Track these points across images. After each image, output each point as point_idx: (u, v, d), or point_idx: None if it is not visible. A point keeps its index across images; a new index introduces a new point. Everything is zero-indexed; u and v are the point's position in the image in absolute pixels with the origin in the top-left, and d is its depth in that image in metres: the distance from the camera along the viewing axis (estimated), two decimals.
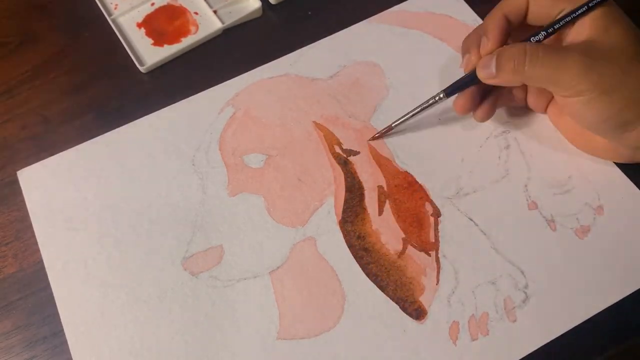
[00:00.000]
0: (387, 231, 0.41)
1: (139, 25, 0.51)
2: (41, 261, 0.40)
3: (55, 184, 0.43)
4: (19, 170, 0.44)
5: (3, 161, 0.45)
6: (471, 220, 0.41)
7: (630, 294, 0.38)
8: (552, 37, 0.38)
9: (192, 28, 0.51)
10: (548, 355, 0.37)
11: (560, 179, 0.42)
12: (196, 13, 0.52)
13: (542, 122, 0.45)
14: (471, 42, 0.40)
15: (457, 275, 0.39)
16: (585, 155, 0.43)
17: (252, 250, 0.40)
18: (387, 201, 0.42)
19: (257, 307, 0.38)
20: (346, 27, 0.50)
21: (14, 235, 0.42)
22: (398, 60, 0.48)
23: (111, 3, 0.52)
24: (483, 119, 0.42)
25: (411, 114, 0.43)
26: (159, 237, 0.41)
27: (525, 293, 0.38)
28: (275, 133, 0.45)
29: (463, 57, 0.41)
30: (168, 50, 0.49)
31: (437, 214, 0.41)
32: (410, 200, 0.42)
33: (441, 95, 0.41)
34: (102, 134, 0.45)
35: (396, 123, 0.43)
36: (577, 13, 0.37)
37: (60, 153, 0.44)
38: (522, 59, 0.36)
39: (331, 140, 0.44)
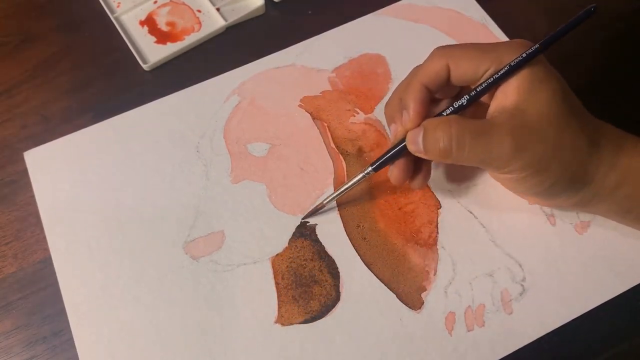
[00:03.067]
0: (386, 221, 0.41)
1: (142, 23, 0.51)
2: (41, 261, 0.41)
3: (61, 165, 0.44)
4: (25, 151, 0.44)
5: (3, 161, 0.45)
6: (471, 212, 0.41)
7: (630, 294, 0.38)
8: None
9: (195, 26, 0.51)
10: (547, 353, 0.37)
11: None
12: (199, 11, 0.52)
13: None
14: (394, 111, 0.38)
15: (455, 266, 0.39)
16: None
17: (252, 236, 0.41)
18: (387, 191, 0.42)
19: (256, 292, 0.39)
20: None
21: (14, 235, 0.42)
22: (404, 53, 0.48)
23: (114, 1, 0.53)
24: (422, 186, 0.40)
25: (342, 189, 0.40)
26: (162, 221, 0.41)
27: (523, 286, 0.39)
28: (280, 123, 0.45)
29: (389, 125, 0.39)
30: (171, 48, 0.50)
31: (437, 205, 0.42)
32: (410, 191, 0.42)
33: (369, 170, 0.38)
34: None
35: (327, 200, 0.40)
36: (499, 75, 0.34)
37: (67, 136, 0.45)
38: (449, 143, 0.34)
39: (333, 131, 0.45)
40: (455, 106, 0.36)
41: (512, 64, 0.34)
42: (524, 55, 0.34)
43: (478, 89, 0.36)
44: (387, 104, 0.40)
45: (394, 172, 0.38)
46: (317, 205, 0.41)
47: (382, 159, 0.38)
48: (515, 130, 0.33)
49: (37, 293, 0.40)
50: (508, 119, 0.34)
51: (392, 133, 0.39)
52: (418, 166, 0.39)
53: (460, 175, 0.43)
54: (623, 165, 0.35)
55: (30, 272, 0.41)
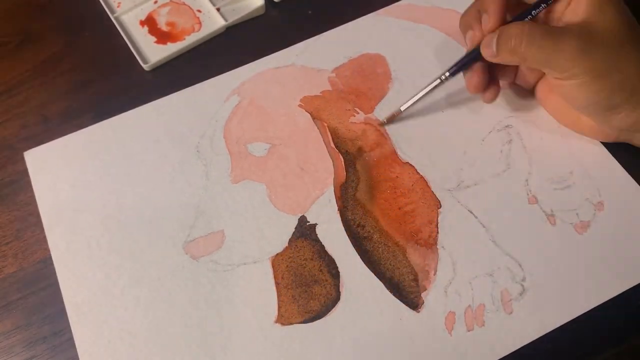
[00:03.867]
0: (387, 220, 0.41)
1: (142, 23, 0.52)
2: (41, 261, 0.41)
3: (62, 165, 0.44)
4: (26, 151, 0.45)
5: (3, 160, 0.45)
6: (471, 212, 0.41)
7: (630, 294, 0.38)
8: (552, 14, 0.39)
9: (195, 26, 0.51)
10: (547, 353, 0.37)
11: (562, 174, 0.42)
12: (199, 11, 0.52)
13: (545, 118, 0.45)
14: (471, 19, 0.41)
15: (455, 266, 0.39)
16: (587, 152, 0.43)
17: (252, 236, 0.41)
18: (387, 191, 0.42)
19: (256, 292, 0.39)
20: None
21: (14, 234, 0.42)
22: (404, 53, 0.49)
23: (114, 1, 0.53)
24: (491, 99, 0.43)
25: (418, 96, 0.43)
26: (162, 220, 0.41)
27: (523, 286, 0.39)
28: (280, 123, 0.45)
29: (464, 34, 0.42)
30: (171, 48, 0.50)
31: (437, 205, 0.42)
32: (411, 191, 0.42)
33: (447, 75, 0.42)
34: None
35: (405, 106, 0.44)
36: None
37: (67, 136, 0.45)
38: (520, 39, 0.37)
39: (333, 131, 0.45)
40: (532, 13, 0.39)
41: None
42: None
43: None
44: (464, 13, 0.42)
45: (473, 77, 0.41)
46: (396, 111, 0.44)
47: (458, 64, 0.41)
48: (582, 35, 0.36)
49: (37, 293, 0.40)
50: (576, 27, 0.37)
51: (469, 40, 0.41)
52: (491, 81, 0.42)
53: (462, 175, 0.43)
54: None
55: (30, 272, 0.41)
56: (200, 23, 0.52)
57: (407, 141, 0.44)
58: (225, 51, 0.50)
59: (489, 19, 0.39)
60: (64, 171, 0.44)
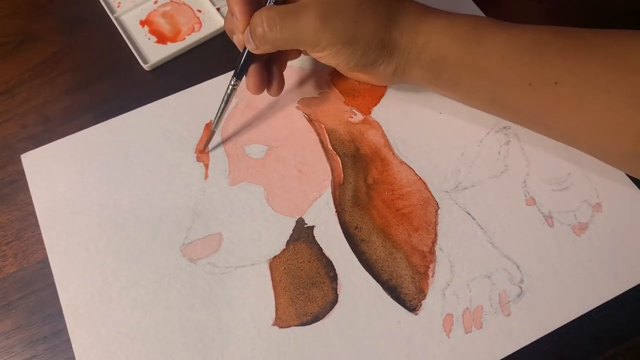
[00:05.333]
0: (384, 222, 0.41)
1: (142, 23, 0.52)
2: (41, 261, 0.41)
3: (59, 168, 0.44)
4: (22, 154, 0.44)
5: (3, 160, 0.45)
6: (469, 214, 0.41)
7: (629, 294, 0.38)
8: None
9: (195, 26, 0.51)
10: (547, 353, 0.37)
11: (560, 176, 0.42)
12: (199, 11, 0.52)
13: None
14: (230, 25, 0.41)
15: (453, 268, 0.39)
16: (586, 154, 0.43)
17: (250, 238, 0.41)
18: (385, 193, 0.42)
19: (254, 295, 0.39)
20: None
21: (15, 234, 0.42)
22: None
23: (114, 1, 0.53)
24: (278, 92, 0.43)
25: (221, 110, 0.42)
26: (159, 223, 0.41)
27: (521, 288, 0.39)
28: (277, 125, 0.45)
29: (232, 39, 0.42)
30: (171, 48, 0.50)
31: (435, 207, 0.42)
32: (409, 193, 0.42)
33: (234, 81, 0.41)
34: None
35: (214, 125, 0.43)
36: None
37: (64, 138, 0.45)
38: (262, 26, 0.37)
39: (331, 133, 0.45)
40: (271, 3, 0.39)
41: None
42: None
43: None
44: (226, 20, 0.42)
45: (249, 80, 0.41)
46: (209, 135, 0.44)
47: (238, 67, 0.41)
48: (319, 7, 0.37)
49: (38, 293, 0.40)
50: (314, 0, 0.38)
51: (237, 43, 0.41)
52: (271, 76, 0.42)
53: (459, 177, 0.43)
54: (424, 31, 0.39)
55: (30, 271, 0.41)
56: (200, 23, 0.51)
57: (404, 143, 0.44)
58: (225, 51, 0.50)
59: (238, 21, 0.39)
60: (61, 173, 0.43)
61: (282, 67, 0.44)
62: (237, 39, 0.41)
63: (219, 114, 0.42)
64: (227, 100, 0.42)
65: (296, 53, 0.44)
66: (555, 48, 0.37)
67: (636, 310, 0.38)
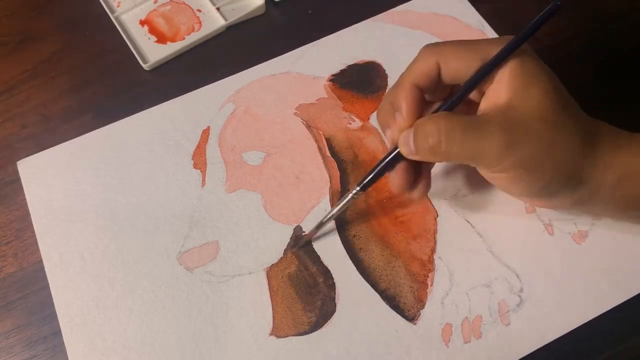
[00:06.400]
0: (383, 230, 0.41)
1: (142, 23, 0.51)
2: (41, 261, 0.40)
3: (55, 175, 0.43)
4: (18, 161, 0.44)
5: (3, 160, 0.45)
6: (468, 222, 0.41)
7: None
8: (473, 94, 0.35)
9: (195, 25, 0.51)
10: (547, 353, 0.37)
11: None
12: (199, 10, 0.52)
13: None
14: (387, 116, 0.37)
15: (452, 277, 0.39)
16: None
17: (247, 246, 0.40)
18: (383, 201, 0.42)
19: (251, 304, 0.38)
20: (349, 25, 0.50)
21: (14, 234, 0.42)
22: (400, 60, 0.48)
23: (114, 1, 0.53)
24: (422, 197, 0.39)
25: (334, 213, 0.38)
26: (156, 231, 0.41)
27: (520, 297, 0.38)
28: (275, 131, 0.45)
29: (384, 132, 0.38)
30: (171, 48, 0.50)
31: (434, 215, 0.41)
32: (407, 200, 0.42)
33: (357, 189, 0.37)
34: None
35: (322, 224, 0.39)
36: (485, 66, 0.33)
37: (60, 144, 0.45)
38: (438, 137, 0.33)
39: (329, 139, 0.44)
40: (447, 103, 0.35)
41: (496, 55, 0.33)
42: (507, 45, 0.33)
43: (466, 84, 0.34)
44: (378, 110, 0.38)
45: (395, 179, 0.37)
46: (313, 230, 0.40)
47: (379, 166, 0.36)
48: (506, 125, 0.32)
49: (37, 293, 0.40)
50: (499, 115, 0.33)
51: (389, 139, 0.37)
52: (418, 175, 0.37)
53: (459, 184, 0.42)
54: (620, 163, 0.33)
55: (30, 271, 0.41)
56: (200, 23, 0.51)
57: None
58: (225, 51, 0.50)
59: (403, 120, 0.35)
60: (57, 180, 0.43)
61: (430, 167, 0.39)
62: (391, 135, 0.36)
63: (328, 218, 0.39)
64: (343, 205, 0.38)
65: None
66: None
67: (636, 310, 0.38)
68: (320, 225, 0.39)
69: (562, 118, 0.33)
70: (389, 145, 0.38)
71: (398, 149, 0.35)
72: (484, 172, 0.35)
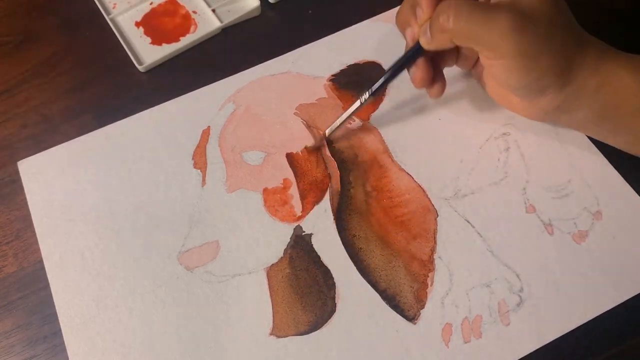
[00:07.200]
0: (383, 230, 0.41)
1: (137, 24, 0.51)
2: (41, 260, 0.40)
3: (55, 175, 0.43)
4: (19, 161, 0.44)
5: (3, 160, 0.45)
6: (468, 222, 0.41)
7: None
8: None
9: (191, 27, 0.51)
10: (547, 353, 0.37)
11: (560, 183, 0.42)
12: (195, 12, 0.52)
13: (542, 125, 0.44)
14: (408, 16, 0.40)
15: (452, 277, 0.39)
16: (586, 160, 0.43)
17: (247, 246, 0.40)
18: (383, 200, 0.42)
19: (251, 303, 0.38)
20: (346, 26, 0.50)
21: (15, 234, 0.42)
22: None
23: (109, 2, 0.53)
24: (439, 94, 0.42)
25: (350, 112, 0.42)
26: (156, 230, 0.41)
27: (520, 297, 0.38)
28: (275, 131, 0.45)
29: (403, 32, 0.41)
30: (166, 49, 0.50)
31: (434, 214, 0.41)
32: (408, 200, 0.42)
33: (390, 73, 0.41)
34: None
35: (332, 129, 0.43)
36: None
37: (61, 144, 0.45)
38: (447, 15, 0.36)
39: (329, 139, 0.44)
40: None
41: None
42: None
43: None
44: (398, 14, 0.41)
45: (417, 72, 0.40)
46: (320, 137, 0.44)
47: (401, 60, 0.40)
48: (512, 11, 0.35)
49: (38, 292, 0.40)
50: (508, 5, 0.35)
51: (409, 37, 0.40)
52: (436, 74, 0.41)
53: (459, 184, 0.42)
54: (603, 70, 0.36)
55: (30, 271, 0.40)
56: (195, 24, 0.51)
57: (403, 149, 0.44)
58: (220, 52, 0.50)
59: (424, 12, 0.38)
60: (57, 180, 0.43)
61: (445, 63, 0.43)
62: (411, 32, 0.40)
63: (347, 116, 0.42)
64: (362, 103, 0.41)
65: (453, 60, 0.42)
66: None
67: (636, 310, 0.38)
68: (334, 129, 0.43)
69: (561, 18, 0.36)
70: (408, 44, 0.40)
71: (416, 47, 0.39)
72: (484, 58, 0.38)
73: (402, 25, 0.41)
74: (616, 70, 0.36)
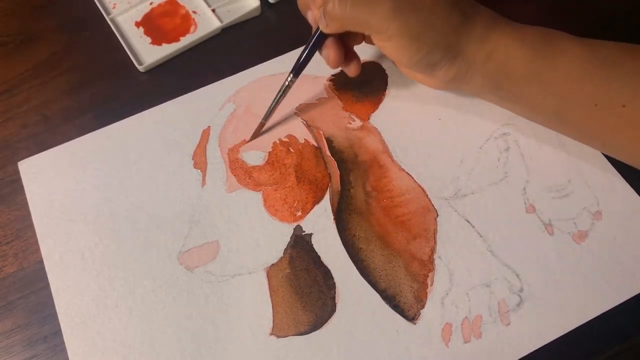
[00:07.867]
0: (383, 230, 0.41)
1: (138, 24, 0.51)
2: (41, 260, 0.40)
3: (55, 175, 0.43)
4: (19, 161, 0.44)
5: (3, 160, 0.45)
6: (468, 222, 0.41)
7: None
8: None
9: (191, 27, 0.51)
10: (547, 352, 0.37)
11: (560, 183, 0.42)
12: (195, 12, 0.52)
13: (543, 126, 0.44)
14: (307, 0, 0.41)
15: (452, 277, 0.39)
16: (586, 160, 0.43)
17: (247, 246, 0.40)
18: (383, 200, 0.42)
19: (251, 303, 0.38)
20: None
21: (15, 234, 0.42)
22: None
23: (110, 2, 0.53)
24: (356, 71, 0.42)
25: (281, 92, 0.43)
26: (156, 230, 0.41)
27: (520, 297, 0.38)
28: (275, 131, 0.45)
29: (305, 16, 0.42)
30: (166, 49, 0.50)
31: (434, 215, 0.41)
32: (408, 200, 0.42)
33: (291, 77, 0.42)
34: None
35: (266, 114, 0.44)
36: None
37: (61, 145, 0.45)
38: (333, 1, 0.37)
39: (329, 139, 0.44)
40: None
41: None
42: None
43: None
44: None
45: (329, 54, 0.40)
46: (258, 125, 0.44)
47: (309, 42, 0.40)
48: None
49: (38, 292, 0.40)
50: None
51: (311, 20, 0.41)
52: (349, 54, 0.42)
53: (459, 184, 0.42)
54: (493, 40, 0.37)
55: (30, 271, 0.41)
56: (195, 24, 0.51)
57: (403, 149, 0.44)
58: (220, 52, 0.50)
59: None
60: (57, 181, 0.43)
61: (354, 42, 0.43)
62: (312, 15, 0.41)
63: (275, 102, 0.43)
64: (286, 87, 0.42)
65: (360, 38, 0.43)
66: (627, 69, 0.36)
67: (636, 310, 0.38)
68: (268, 113, 0.44)
69: None
70: (313, 26, 0.41)
71: (317, 29, 0.40)
72: (376, 41, 0.39)
73: (302, 8, 0.42)
74: (504, 39, 0.37)
